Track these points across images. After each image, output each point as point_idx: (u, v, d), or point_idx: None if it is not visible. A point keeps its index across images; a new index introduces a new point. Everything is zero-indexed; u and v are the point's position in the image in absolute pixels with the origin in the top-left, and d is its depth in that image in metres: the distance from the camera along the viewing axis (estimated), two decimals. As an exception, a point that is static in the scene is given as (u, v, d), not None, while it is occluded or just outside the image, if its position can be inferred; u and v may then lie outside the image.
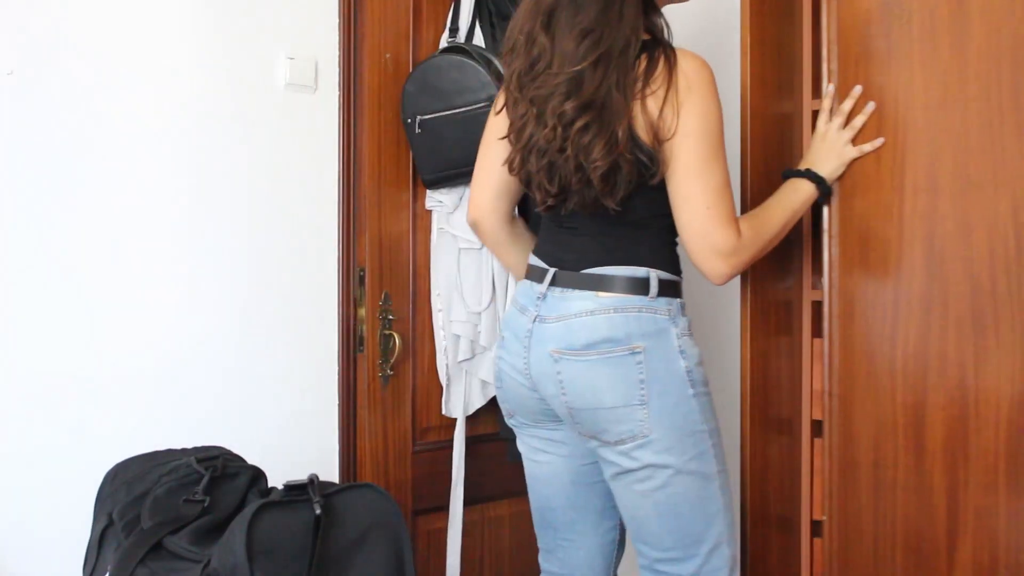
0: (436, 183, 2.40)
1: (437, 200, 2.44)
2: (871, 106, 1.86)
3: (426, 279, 2.48)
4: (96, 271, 2.02)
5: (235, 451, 1.94)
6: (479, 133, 2.29)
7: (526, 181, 1.84)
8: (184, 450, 1.91)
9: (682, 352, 1.78)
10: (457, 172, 2.36)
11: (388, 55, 2.42)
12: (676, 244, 1.84)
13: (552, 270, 1.84)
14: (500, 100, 1.90)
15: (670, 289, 1.81)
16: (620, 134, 1.69)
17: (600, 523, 1.97)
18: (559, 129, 1.73)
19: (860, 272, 1.88)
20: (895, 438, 1.84)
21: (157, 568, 1.68)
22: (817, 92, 2.08)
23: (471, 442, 2.50)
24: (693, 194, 1.73)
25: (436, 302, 2.46)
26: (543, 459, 1.96)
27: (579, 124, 1.71)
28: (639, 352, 1.76)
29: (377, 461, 2.40)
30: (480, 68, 2.29)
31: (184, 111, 2.14)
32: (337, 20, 2.36)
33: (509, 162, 1.85)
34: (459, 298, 2.42)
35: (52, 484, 1.96)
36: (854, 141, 1.87)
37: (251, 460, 1.92)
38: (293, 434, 2.29)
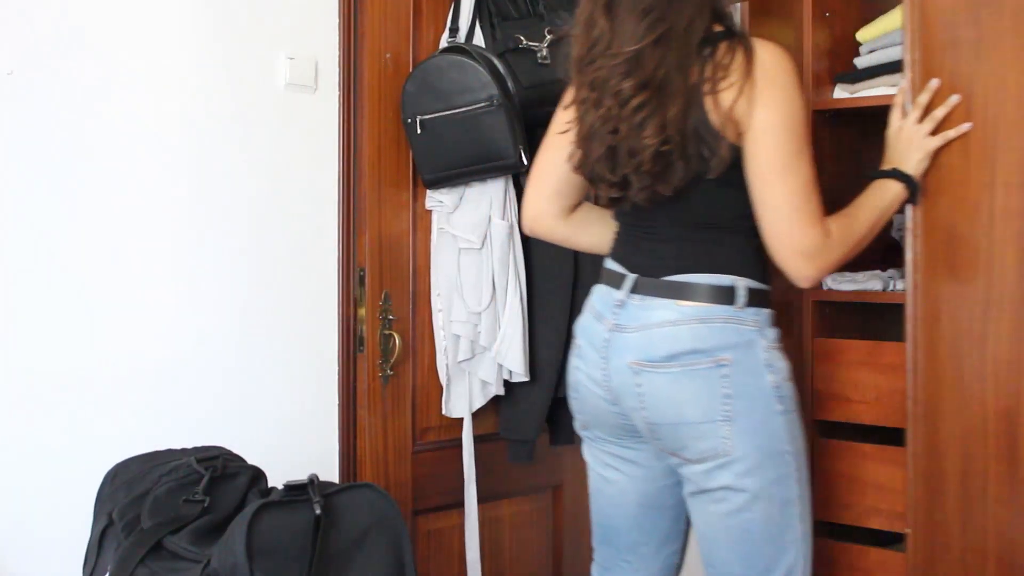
0: (436, 183, 2.40)
1: (437, 200, 2.43)
2: (955, 98, 1.79)
3: (426, 279, 2.48)
4: (96, 271, 2.02)
5: (235, 451, 1.94)
6: (479, 133, 2.30)
7: (589, 175, 1.76)
8: (184, 450, 1.90)
9: (769, 366, 1.70)
10: (457, 172, 2.36)
11: (388, 55, 2.41)
12: (762, 248, 1.75)
13: (632, 276, 1.76)
14: (568, 94, 1.83)
15: (758, 299, 1.72)
16: (672, 114, 1.63)
17: (663, 547, 1.89)
18: (615, 109, 1.66)
19: (946, 273, 1.81)
20: (985, 446, 1.76)
21: (157, 568, 1.68)
22: (820, 91, 2.08)
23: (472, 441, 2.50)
24: (776, 194, 1.65)
25: (436, 302, 2.46)
26: (612, 477, 1.87)
27: (635, 103, 1.63)
28: (725, 365, 1.67)
29: (377, 461, 2.40)
30: (480, 68, 2.29)
31: (184, 111, 2.14)
32: (337, 20, 2.35)
33: (572, 157, 1.78)
34: (459, 298, 2.42)
35: (52, 484, 1.96)
36: (935, 132, 1.82)
37: (251, 460, 1.92)
38: (293, 434, 2.29)
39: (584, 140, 1.74)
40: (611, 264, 1.83)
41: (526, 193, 1.96)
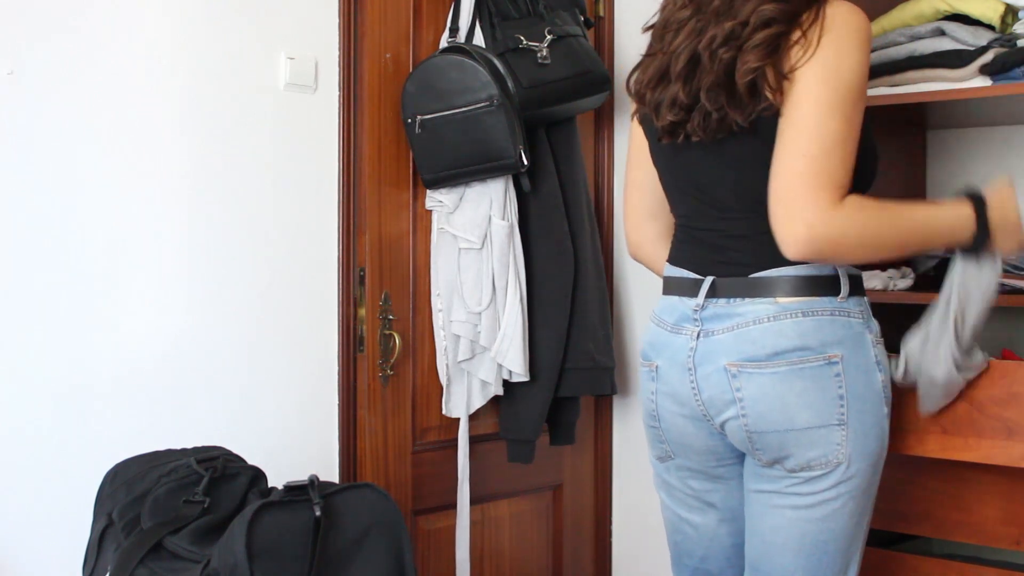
0: (436, 183, 2.40)
1: (437, 200, 2.43)
2: None
3: (426, 279, 2.48)
4: (95, 271, 2.02)
5: (235, 451, 1.94)
6: (479, 133, 2.30)
7: (655, 103, 1.63)
8: (184, 450, 1.91)
9: (878, 363, 1.57)
10: (457, 172, 2.36)
11: (388, 55, 2.41)
12: None
13: (707, 279, 1.61)
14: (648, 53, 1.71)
15: (858, 287, 1.60)
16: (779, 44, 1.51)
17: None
18: (745, 28, 1.52)
19: None
20: None
21: (157, 568, 1.68)
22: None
23: (471, 441, 2.50)
24: (794, 138, 1.48)
25: (436, 302, 2.46)
26: (698, 521, 1.73)
27: (774, 29, 1.51)
28: (836, 362, 1.53)
29: (377, 461, 2.40)
30: (480, 68, 2.29)
31: (184, 111, 2.14)
32: (337, 20, 2.35)
33: (639, 84, 1.68)
34: (459, 298, 2.42)
35: (52, 484, 1.96)
36: None
37: (251, 460, 1.92)
38: (293, 434, 2.29)
39: (669, 55, 1.62)
40: (674, 271, 1.69)
41: (625, 218, 1.86)
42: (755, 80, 1.52)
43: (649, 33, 1.73)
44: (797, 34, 1.53)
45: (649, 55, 1.69)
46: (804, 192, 1.46)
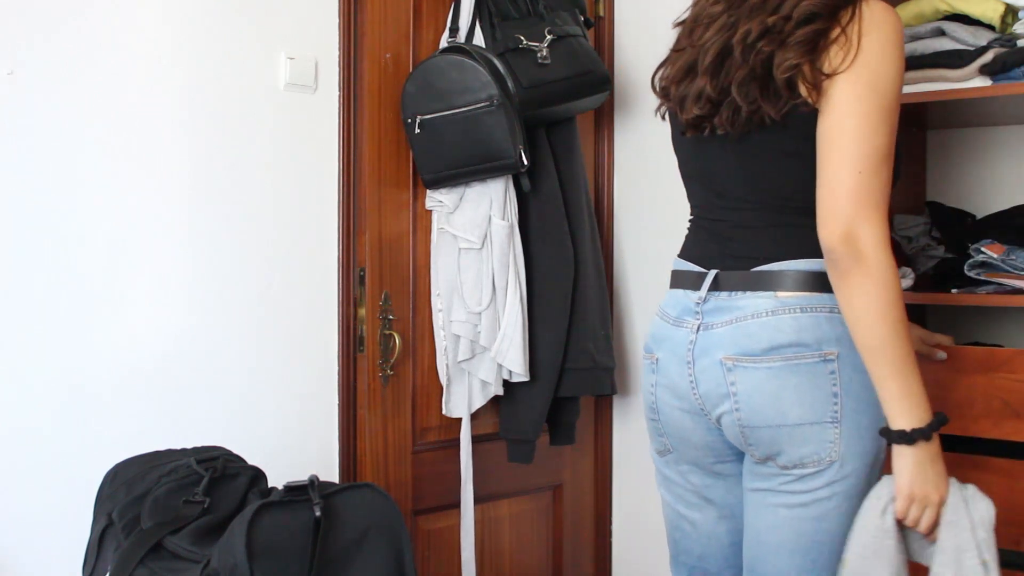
0: (436, 183, 2.40)
1: (437, 200, 2.43)
2: None
3: (426, 279, 2.48)
4: (96, 271, 2.02)
5: (235, 451, 1.94)
6: (479, 133, 2.30)
7: (679, 98, 1.65)
8: (184, 450, 1.91)
9: None
10: (457, 172, 2.36)
11: (388, 55, 2.41)
12: None
13: (711, 272, 1.63)
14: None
15: None
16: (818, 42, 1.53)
17: None
18: (787, 23, 1.53)
19: None
20: None
21: (157, 568, 1.68)
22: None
23: (471, 441, 2.50)
24: (846, 148, 1.49)
25: (436, 302, 2.46)
26: (697, 518, 1.73)
27: (817, 25, 1.52)
28: (832, 360, 1.53)
29: (377, 461, 2.40)
30: (480, 68, 2.29)
31: (184, 111, 2.14)
32: (337, 20, 2.35)
33: (664, 79, 1.69)
34: (459, 298, 2.42)
35: (52, 484, 1.96)
36: None
37: (251, 460, 1.92)
38: (293, 434, 2.29)
39: (698, 50, 1.63)
40: (682, 265, 1.71)
41: None
42: (792, 76, 1.54)
43: (678, 29, 1.75)
44: (836, 31, 1.54)
45: (677, 50, 1.71)
46: (856, 209, 1.48)
